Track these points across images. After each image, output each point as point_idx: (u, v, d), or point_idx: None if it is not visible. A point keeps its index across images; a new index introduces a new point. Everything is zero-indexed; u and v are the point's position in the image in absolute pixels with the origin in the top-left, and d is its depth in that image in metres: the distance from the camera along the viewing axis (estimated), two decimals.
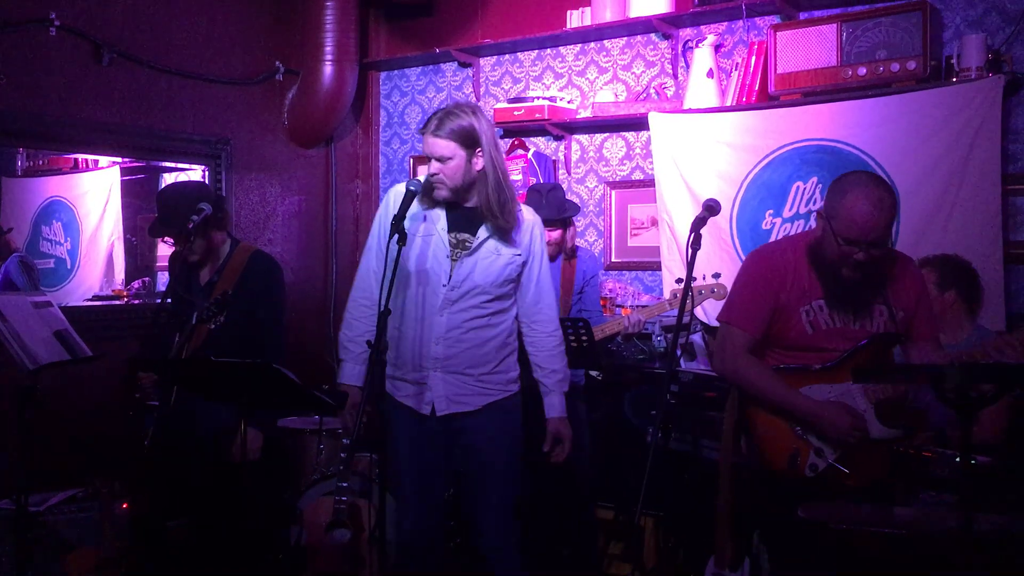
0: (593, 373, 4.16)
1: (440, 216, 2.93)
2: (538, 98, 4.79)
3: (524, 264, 2.99)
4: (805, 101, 4.03)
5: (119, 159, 4.88)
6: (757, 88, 4.18)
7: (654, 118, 4.42)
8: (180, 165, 4.94)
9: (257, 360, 2.67)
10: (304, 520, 3.70)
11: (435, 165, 2.85)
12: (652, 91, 4.67)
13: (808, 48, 3.95)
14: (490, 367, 2.97)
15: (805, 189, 4.07)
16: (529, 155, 4.96)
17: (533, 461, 3.44)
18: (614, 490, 4.13)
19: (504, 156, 2.93)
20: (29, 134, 4.23)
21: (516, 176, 4.98)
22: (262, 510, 3.68)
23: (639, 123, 4.59)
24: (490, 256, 2.92)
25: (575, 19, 4.79)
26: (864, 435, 2.62)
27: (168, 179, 4.99)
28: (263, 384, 2.72)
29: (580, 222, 4.81)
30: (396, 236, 2.69)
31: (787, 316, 2.74)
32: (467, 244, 2.92)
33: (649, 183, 4.62)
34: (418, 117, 5.53)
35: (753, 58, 4.19)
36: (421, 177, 2.93)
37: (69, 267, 4.96)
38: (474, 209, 2.93)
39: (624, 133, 4.81)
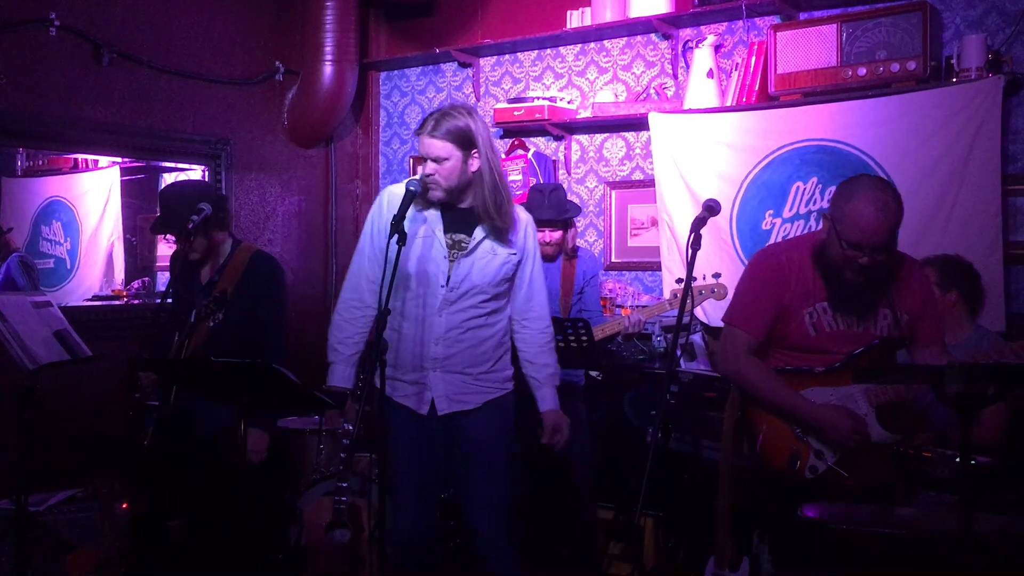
0: (593, 373, 4.16)
1: (436, 217, 2.93)
2: (538, 98, 4.79)
3: (519, 263, 3.01)
4: (805, 101, 4.03)
5: (119, 159, 4.88)
6: (757, 88, 4.19)
7: (654, 118, 4.42)
8: (180, 165, 4.94)
9: (257, 360, 2.67)
10: (304, 520, 3.70)
11: (431, 166, 2.86)
12: (652, 91, 4.67)
13: (808, 48, 3.95)
14: (488, 366, 3.00)
15: (805, 189, 4.07)
16: (529, 155, 4.96)
17: (534, 461, 3.45)
18: (614, 490, 4.13)
19: (500, 157, 2.93)
20: (29, 134, 4.23)
21: (516, 176, 4.98)
22: (262, 510, 3.68)
23: (639, 123, 4.59)
24: (487, 256, 2.94)
25: (575, 19, 4.79)
26: (865, 439, 2.62)
27: (168, 179, 4.99)
28: (263, 384, 2.72)
29: (580, 222, 4.81)
30: (396, 236, 2.68)
31: (790, 317, 2.73)
32: (463, 245, 2.93)
33: (649, 183, 4.62)
34: (418, 117, 5.53)
35: (753, 58, 4.19)
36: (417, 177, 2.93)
37: (69, 267, 4.95)
38: (469, 210, 2.93)
39: (624, 133, 4.81)
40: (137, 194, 5.13)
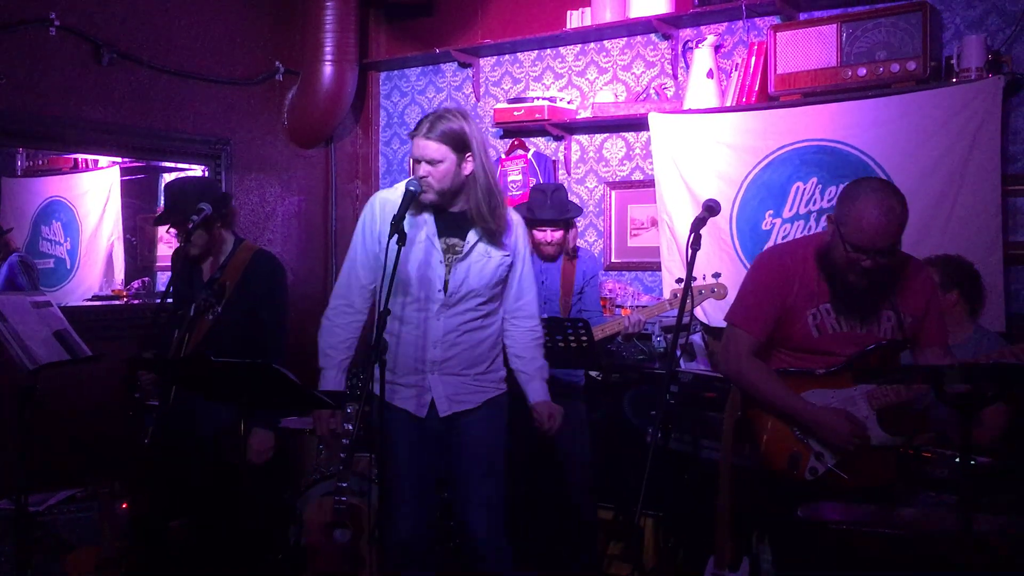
0: (593, 373, 4.16)
1: (429, 221, 2.94)
2: (538, 98, 4.79)
3: (512, 265, 3.03)
4: (805, 102, 4.03)
5: (119, 159, 4.88)
6: (757, 88, 4.19)
7: (654, 118, 4.42)
8: (180, 165, 4.94)
9: (257, 360, 2.66)
10: (304, 520, 3.70)
11: (424, 168, 2.86)
12: (652, 91, 4.67)
13: (808, 49, 3.95)
14: (484, 366, 3.03)
15: (805, 189, 4.07)
16: (529, 155, 4.97)
17: (534, 461, 3.46)
18: (614, 490, 4.13)
19: (494, 160, 2.95)
20: (29, 134, 4.23)
21: (516, 176, 4.98)
22: (262, 510, 3.68)
23: (639, 123, 4.59)
24: (482, 259, 2.95)
25: (575, 19, 4.79)
26: (864, 442, 2.62)
27: (168, 179, 4.98)
28: (263, 384, 2.72)
29: (580, 222, 4.81)
30: (396, 236, 2.69)
31: (793, 319, 2.73)
32: (458, 249, 2.94)
33: (649, 183, 4.62)
34: (418, 117, 5.50)
35: (753, 58, 4.19)
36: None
37: (69, 267, 4.96)
38: (461, 214, 2.95)
39: (624, 133, 4.81)
40: (137, 194, 5.13)
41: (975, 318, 3.41)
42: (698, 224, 2.62)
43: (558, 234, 3.87)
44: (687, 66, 4.48)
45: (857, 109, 3.90)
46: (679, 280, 3.47)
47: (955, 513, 2.33)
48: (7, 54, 4.07)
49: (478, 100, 5.26)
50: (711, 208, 2.69)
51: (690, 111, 4.32)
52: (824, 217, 3.96)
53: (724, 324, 2.92)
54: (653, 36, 4.67)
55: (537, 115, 4.76)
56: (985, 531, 2.24)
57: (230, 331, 3.29)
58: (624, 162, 4.82)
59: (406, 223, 2.87)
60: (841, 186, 3.91)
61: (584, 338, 3.64)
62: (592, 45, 4.88)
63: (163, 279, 5.13)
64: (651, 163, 4.55)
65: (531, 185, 4.78)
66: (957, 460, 2.61)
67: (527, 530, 3.82)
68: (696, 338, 4.33)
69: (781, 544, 2.88)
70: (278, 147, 5.33)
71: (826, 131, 3.99)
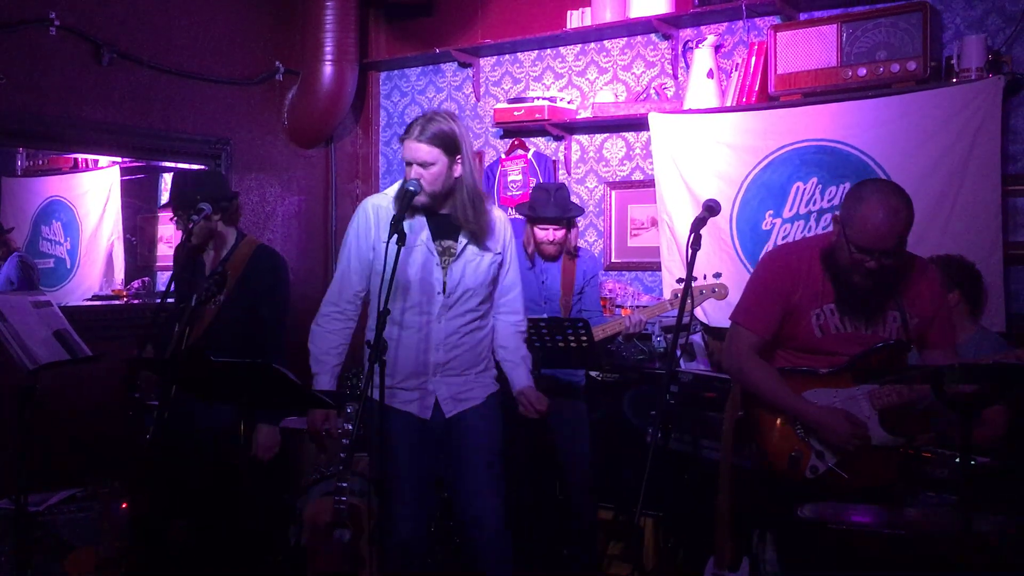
0: (593, 373, 4.16)
1: (422, 224, 2.96)
2: (538, 98, 4.79)
3: (502, 263, 3.08)
4: (805, 102, 4.03)
5: (119, 159, 4.88)
6: (757, 88, 4.18)
7: (654, 118, 4.42)
8: (180, 165, 4.93)
9: (257, 360, 2.66)
10: (304, 520, 3.70)
11: (416, 170, 2.88)
12: (652, 91, 4.67)
13: (808, 49, 3.95)
14: (483, 365, 3.10)
15: (805, 189, 4.07)
16: (529, 155, 4.97)
17: (534, 461, 3.45)
18: (614, 490, 4.13)
19: (476, 162, 2.99)
20: (29, 134, 4.23)
21: (516, 176, 4.99)
22: (262, 510, 3.68)
23: (639, 123, 4.59)
24: (475, 259, 2.99)
25: (575, 19, 4.79)
26: (865, 442, 2.62)
27: (168, 179, 4.98)
28: (263, 384, 2.72)
29: (580, 222, 4.81)
30: (396, 236, 2.69)
31: (797, 318, 2.74)
32: (452, 251, 2.97)
33: (649, 183, 4.62)
34: None
35: (753, 58, 4.19)
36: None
37: (69, 267, 4.96)
38: (450, 215, 2.97)
39: (624, 133, 4.81)
40: (137, 194, 5.14)
41: (976, 318, 3.41)
42: (698, 224, 2.62)
43: (560, 233, 3.88)
44: (687, 66, 4.48)
45: (857, 109, 3.90)
46: (680, 280, 3.47)
47: (955, 513, 2.33)
48: (7, 54, 4.07)
49: (478, 100, 5.26)
50: (711, 208, 2.69)
51: (690, 111, 4.32)
52: (824, 217, 4.00)
53: (725, 324, 2.92)
54: (653, 36, 4.67)
55: (537, 115, 4.76)
56: (985, 531, 2.24)
57: (230, 327, 3.29)
58: (624, 162, 4.82)
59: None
60: (841, 186, 3.94)
61: (584, 338, 3.64)
62: (592, 45, 4.88)
63: (163, 279, 5.14)
64: (651, 163, 4.55)
65: (531, 185, 4.79)
66: (957, 460, 2.61)
67: (527, 530, 3.81)
68: (696, 338, 4.32)
69: (781, 544, 2.88)
70: (278, 147, 5.33)
71: (826, 131, 3.99)
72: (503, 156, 5.08)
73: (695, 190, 4.29)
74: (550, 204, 3.85)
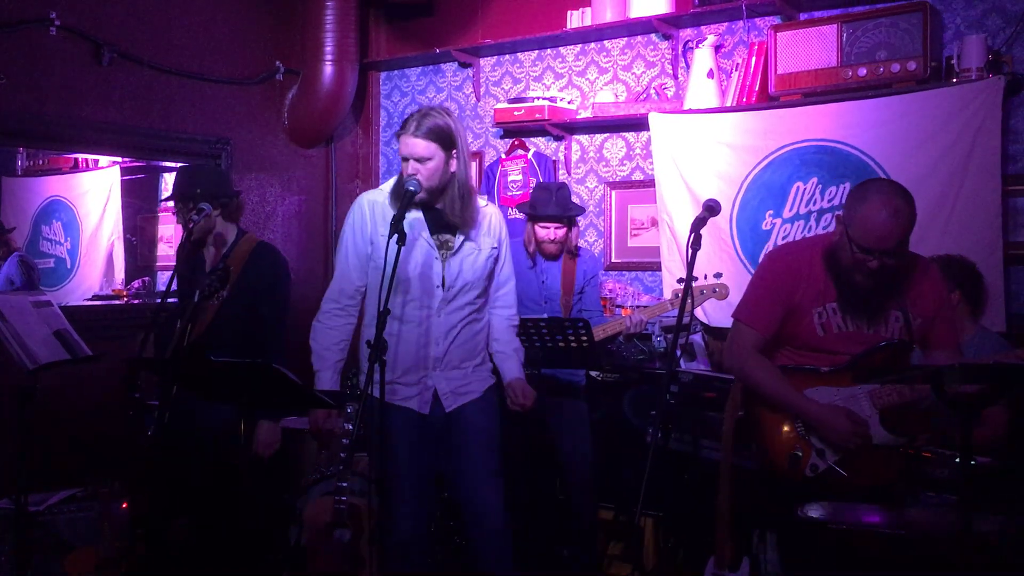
0: (593, 373, 4.16)
1: (420, 219, 2.97)
2: (538, 98, 4.79)
3: (498, 257, 3.11)
4: (805, 102, 4.03)
5: (119, 159, 4.88)
6: (757, 89, 4.18)
7: (654, 118, 4.42)
8: (180, 165, 4.93)
9: (257, 360, 2.66)
10: (304, 520, 3.70)
11: (413, 165, 2.88)
12: (652, 91, 4.67)
13: (808, 49, 3.95)
14: (480, 359, 3.12)
15: (805, 189, 4.07)
16: (529, 155, 4.97)
17: (534, 461, 3.45)
18: (614, 490, 4.13)
19: (469, 159, 3.01)
20: (29, 134, 4.23)
21: (516, 176, 4.99)
22: (262, 510, 3.68)
23: (639, 123, 4.59)
24: (473, 253, 3.02)
25: (575, 19, 4.79)
26: (865, 441, 2.62)
27: (168, 179, 4.99)
28: (263, 384, 2.72)
29: (580, 222, 4.81)
30: (396, 236, 2.69)
31: (799, 317, 2.74)
32: (450, 245, 2.98)
33: (649, 183, 4.62)
34: None
35: (753, 59, 4.19)
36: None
37: (69, 267, 4.96)
38: (442, 210, 2.98)
39: (624, 133, 4.81)
40: (137, 194, 5.14)
41: (977, 319, 3.40)
42: (698, 224, 2.63)
43: (561, 232, 3.89)
44: (687, 66, 4.48)
45: (857, 109, 3.90)
46: (680, 280, 3.47)
47: (955, 513, 2.33)
48: (7, 54, 4.07)
49: (478, 100, 5.26)
50: (711, 208, 2.69)
51: (690, 111, 4.32)
52: (824, 217, 4.00)
53: (725, 324, 2.92)
54: (653, 36, 4.67)
55: (537, 115, 4.76)
56: (985, 531, 2.24)
57: (231, 324, 3.30)
58: (624, 162, 4.82)
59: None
60: (841, 186, 3.94)
61: (584, 338, 3.64)
62: (592, 45, 4.88)
63: (163, 279, 5.14)
64: (651, 163, 4.55)
65: (531, 185, 4.79)
66: (957, 460, 2.60)
67: (527, 530, 3.81)
68: (696, 338, 4.32)
69: (781, 543, 2.88)
70: (278, 147, 5.33)
71: (826, 131, 3.99)
72: (503, 156, 5.08)
73: (695, 190, 4.29)
74: (551, 203, 3.86)
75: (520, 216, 4.53)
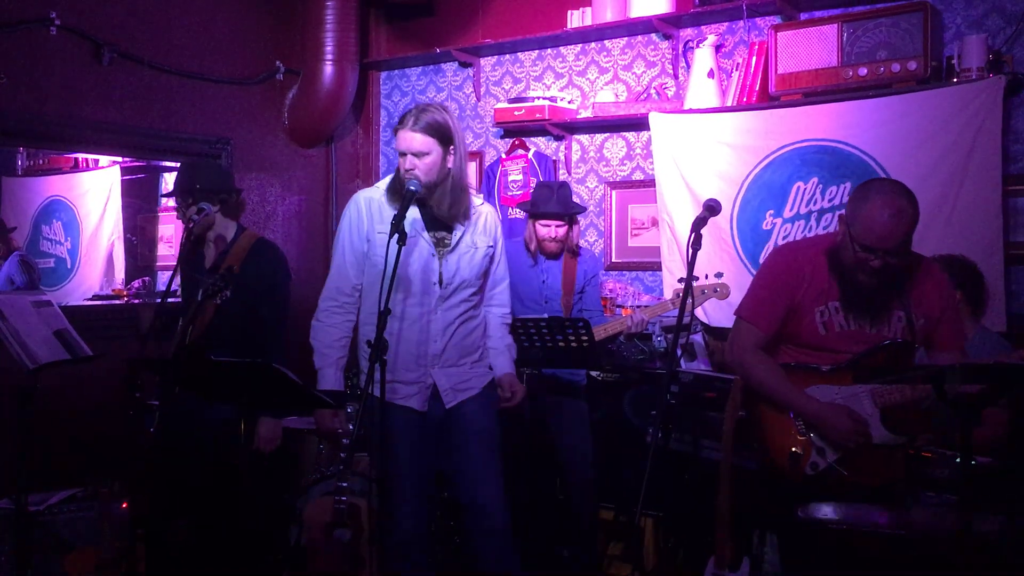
0: (594, 373, 4.16)
1: (417, 216, 2.97)
2: (539, 98, 4.79)
3: (493, 256, 3.12)
4: (806, 101, 4.02)
5: (119, 158, 4.88)
6: (758, 88, 4.18)
7: (654, 118, 4.42)
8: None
9: (257, 360, 2.66)
10: (304, 520, 3.70)
11: (410, 160, 2.89)
12: (653, 91, 4.67)
13: (809, 48, 3.95)
14: (477, 355, 3.13)
15: (806, 189, 4.07)
16: (529, 155, 4.97)
17: (534, 461, 3.45)
18: (614, 490, 4.13)
19: (466, 156, 3.02)
20: (29, 134, 4.23)
21: (516, 176, 4.99)
22: (262, 510, 3.68)
23: (639, 123, 4.59)
24: (469, 250, 3.02)
25: (575, 19, 4.79)
26: (866, 440, 2.62)
27: (168, 179, 4.98)
28: (263, 384, 2.72)
29: (581, 222, 4.81)
30: (396, 236, 2.69)
31: (801, 315, 2.74)
32: (447, 242, 2.99)
33: (649, 183, 4.62)
34: None
35: (754, 58, 4.19)
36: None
37: (69, 266, 4.96)
38: (437, 205, 2.99)
39: (624, 133, 4.81)
40: (137, 193, 5.14)
41: (977, 319, 3.40)
42: (699, 224, 2.63)
43: (562, 230, 3.89)
44: (688, 66, 4.48)
45: (858, 109, 3.90)
46: (680, 280, 3.47)
47: (955, 513, 2.33)
48: (7, 54, 4.07)
49: (479, 100, 5.26)
50: (712, 208, 2.69)
51: (691, 111, 4.32)
52: (825, 217, 4.00)
53: (726, 324, 2.93)
54: (654, 36, 4.67)
55: (538, 115, 4.75)
56: (985, 531, 2.24)
57: (231, 321, 3.30)
58: (624, 162, 4.82)
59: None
60: (842, 186, 3.94)
61: (585, 338, 3.64)
62: (593, 45, 4.88)
63: (163, 279, 5.14)
64: (652, 163, 4.55)
65: (532, 185, 4.79)
66: (957, 460, 2.60)
67: (527, 530, 3.81)
68: (697, 338, 4.32)
69: (782, 543, 2.88)
70: (278, 147, 5.33)
71: (827, 131, 3.99)
72: (504, 156, 5.07)
73: (695, 190, 4.28)
74: (552, 200, 3.86)
75: (521, 216, 4.53)
